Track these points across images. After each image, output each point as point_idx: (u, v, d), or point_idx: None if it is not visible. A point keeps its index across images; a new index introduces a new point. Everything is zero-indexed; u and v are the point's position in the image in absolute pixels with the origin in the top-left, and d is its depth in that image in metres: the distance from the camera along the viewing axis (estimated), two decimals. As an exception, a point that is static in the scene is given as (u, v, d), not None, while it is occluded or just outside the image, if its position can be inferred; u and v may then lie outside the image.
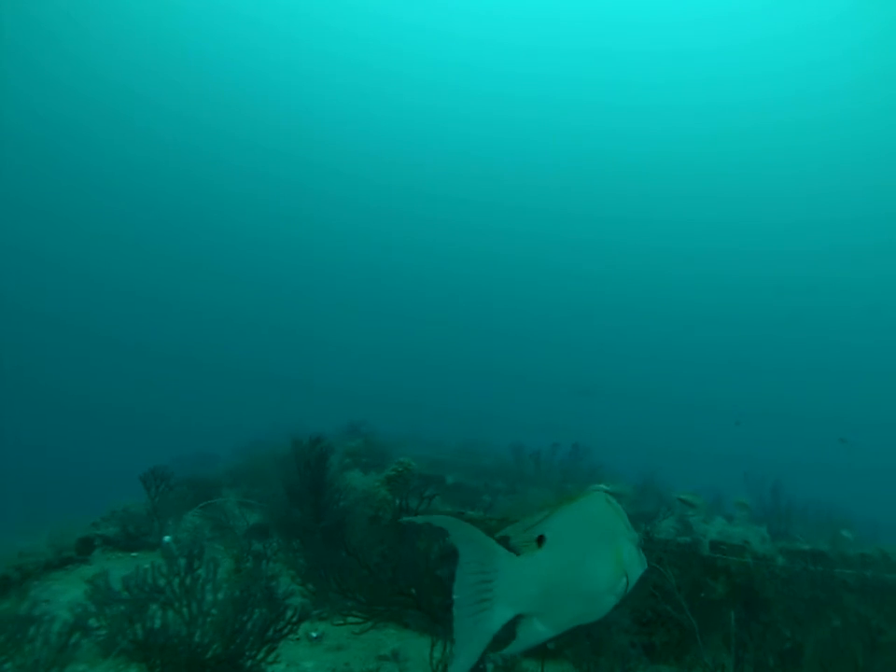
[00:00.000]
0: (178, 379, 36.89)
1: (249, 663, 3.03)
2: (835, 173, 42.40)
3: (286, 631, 2.79)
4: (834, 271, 44.07)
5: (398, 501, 3.66)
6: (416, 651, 3.98)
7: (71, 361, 38.14)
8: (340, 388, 32.39)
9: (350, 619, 3.33)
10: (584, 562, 1.52)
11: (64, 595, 4.35)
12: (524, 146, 48.52)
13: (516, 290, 49.35)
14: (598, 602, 1.54)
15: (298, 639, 4.12)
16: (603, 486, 6.07)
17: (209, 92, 44.96)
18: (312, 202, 50.39)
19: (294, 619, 2.79)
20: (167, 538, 4.06)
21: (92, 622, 3.08)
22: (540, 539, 1.48)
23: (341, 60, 46.10)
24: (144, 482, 4.88)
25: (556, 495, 5.49)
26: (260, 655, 2.99)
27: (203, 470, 8.69)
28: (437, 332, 44.00)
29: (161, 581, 2.81)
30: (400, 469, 4.76)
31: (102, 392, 34.34)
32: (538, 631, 1.46)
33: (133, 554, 5.50)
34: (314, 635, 4.11)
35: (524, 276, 49.91)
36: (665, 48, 42.61)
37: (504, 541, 1.49)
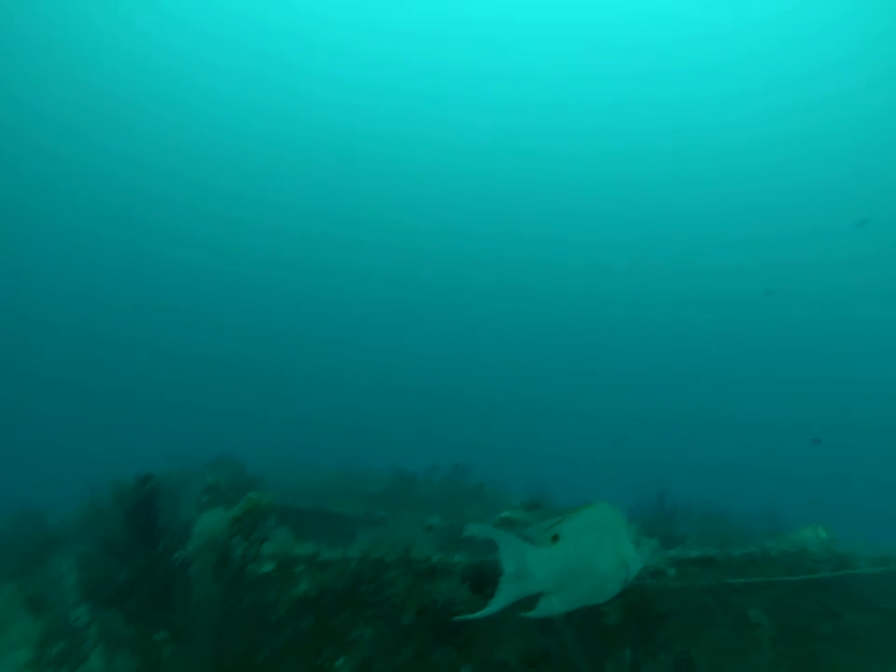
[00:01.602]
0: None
1: None
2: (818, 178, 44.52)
3: None
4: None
5: (222, 550, 2.90)
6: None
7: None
8: (206, 411, 29.62)
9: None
10: (592, 554, 1.97)
11: None
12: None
13: (376, 298, 48.42)
14: (604, 587, 2.02)
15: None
16: (506, 514, 5.57)
17: (199, 86, 43.27)
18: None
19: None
20: None
21: None
22: (555, 538, 1.96)
23: (346, 55, 44.54)
24: None
25: (421, 524, 4.96)
26: None
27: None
28: (305, 347, 42.01)
29: None
30: (249, 507, 3.95)
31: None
32: (552, 604, 1.96)
33: None
34: (127, 734, 3.19)
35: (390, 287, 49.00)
36: (667, 60, 43.72)
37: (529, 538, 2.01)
